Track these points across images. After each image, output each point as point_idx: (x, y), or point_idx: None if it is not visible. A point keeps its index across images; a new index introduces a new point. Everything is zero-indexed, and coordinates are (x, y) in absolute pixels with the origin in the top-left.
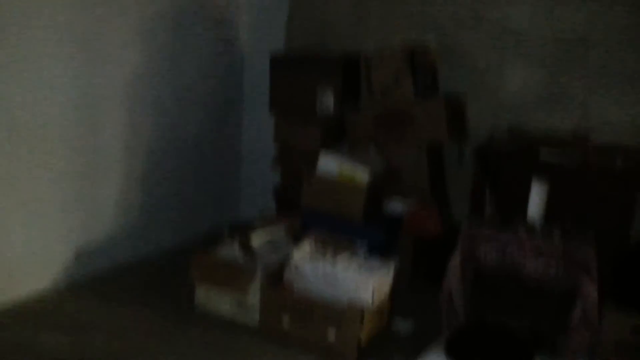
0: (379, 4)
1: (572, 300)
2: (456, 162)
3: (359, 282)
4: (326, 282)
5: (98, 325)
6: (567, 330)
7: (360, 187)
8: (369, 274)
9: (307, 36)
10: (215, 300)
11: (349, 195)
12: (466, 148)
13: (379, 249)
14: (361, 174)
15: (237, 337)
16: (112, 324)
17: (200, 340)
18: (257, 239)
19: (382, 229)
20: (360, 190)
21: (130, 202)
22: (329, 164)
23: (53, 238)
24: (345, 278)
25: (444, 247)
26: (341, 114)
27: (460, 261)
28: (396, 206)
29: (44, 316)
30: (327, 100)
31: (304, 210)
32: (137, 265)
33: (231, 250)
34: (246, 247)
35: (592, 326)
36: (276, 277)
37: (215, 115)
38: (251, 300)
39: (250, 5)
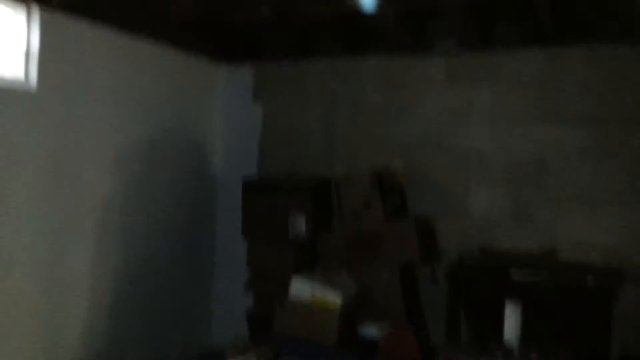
0: (348, 131)
1: None
2: (430, 283)
3: None
4: None
5: None
6: None
7: (333, 311)
8: None
9: (279, 161)
10: None
11: (322, 320)
12: (438, 268)
13: None
14: (334, 298)
15: None
16: None
17: None
18: None
19: (358, 354)
20: (333, 315)
21: (96, 330)
22: (302, 288)
23: None
24: None
25: None
26: (313, 238)
27: None
28: (371, 330)
29: None
30: (299, 224)
31: (277, 337)
32: None
33: None
34: None
35: None
36: None
37: (188, 241)
38: None
39: (224, 131)
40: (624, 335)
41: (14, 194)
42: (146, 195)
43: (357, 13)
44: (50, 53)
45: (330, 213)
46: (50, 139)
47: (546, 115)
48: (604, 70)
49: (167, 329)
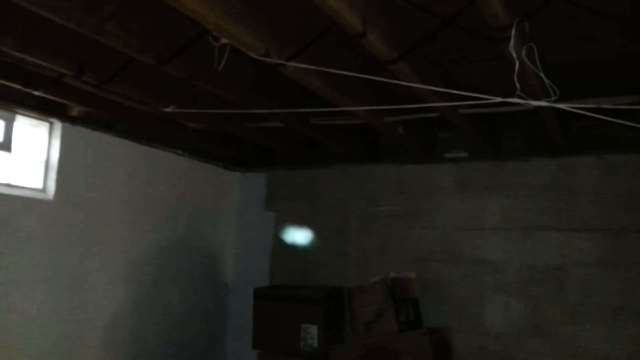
0: (360, 238)
1: None
2: None
3: None
4: None
5: None
6: None
7: None
8: None
9: (290, 270)
10: None
11: None
12: None
13: None
14: None
15: None
16: None
17: None
18: None
19: None
20: None
21: None
22: None
23: None
24: None
25: None
26: (325, 349)
27: None
28: None
29: None
30: (311, 335)
31: None
32: None
33: None
34: None
35: None
36: None
37: (199, 353)
38: None
39: (236, 238)
40: None
41: (26, 302)
42: (157, 304)
43: (369, 123)
44: (69, 163)
45: (342, 323)
46: (64, 248)
47: (560, 224)
48: (615, 179)
49: None
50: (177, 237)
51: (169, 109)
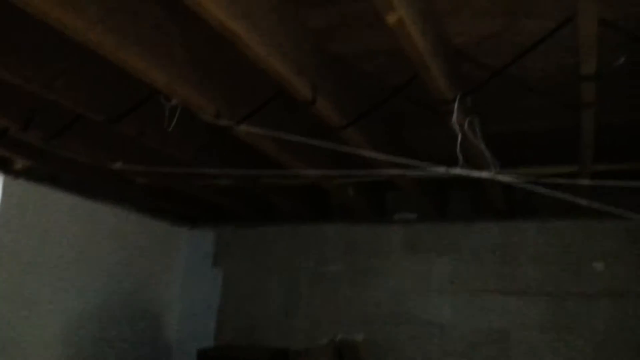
0: (308, 298)
1: None
2: None
3: None
4: None
5: None
6: None
7: None
8: None
9: (236, 330)
10: None
11: None
12: None
13: None
14: None
15: None
16: None
17: None
18: None
19: None
20: None
21: None
22: None
23: None
24: None
25: None
26: None
27: None
28: None
29: None
30: None
31: None
32: None
33: None
34: None
35: None
36: None
37: None
38: None
39: (181, 296)
40: None
41: None
42: None
43: (319, 183)
44: (7, 217)
45: None
46: None
47: (504, 288)
48: (557, 244)
49: None
50: (119, 296)
51: (116, 166)
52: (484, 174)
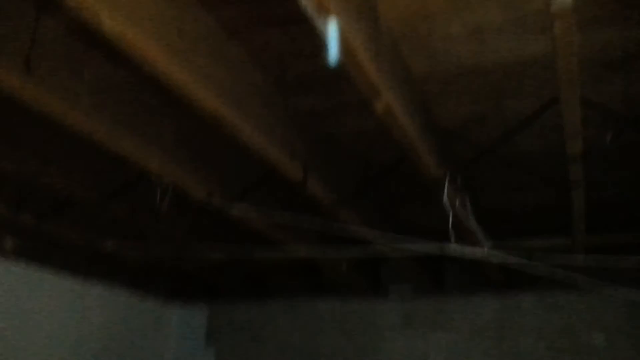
0: None
1: None
2: None
3: None
4: None
5: None
6: None
7: None
8: None
9: None
10: None
11: None
12: None
13: None
14: None
15: None
16: None
17: None
18: None
19: None
20: None
21: None
22: None
23: None
24: None
25: None
26: None
27: None
28: None
29: None
30: None
31: None
32: None
33: None
34: None
35: None
36: None
37: None
38: None
39: None
40: None
41: None
42: None
43: (313, 259)
44: None
45: None
46: None
47: None
48: (555, 317)
49: None
50: None
51: (108, 245)
52: (477, 253)
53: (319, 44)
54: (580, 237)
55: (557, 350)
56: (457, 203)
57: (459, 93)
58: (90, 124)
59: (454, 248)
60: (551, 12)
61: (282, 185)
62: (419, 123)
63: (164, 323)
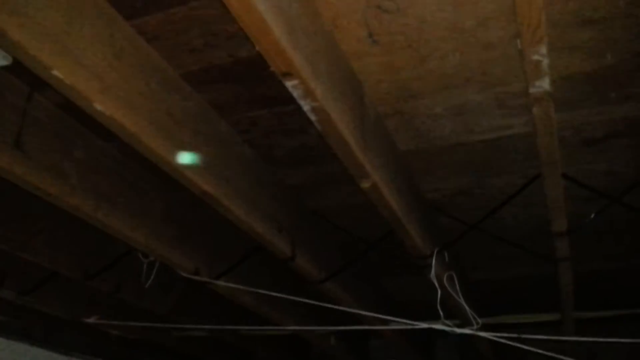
0: None
1: None
2: None
3: None
4: None
5: None
6: None
7: None
8: None
9: None
10: None
11: None
12: None
13: None
14: None
15: None
16: None
17: None
18: None
19: None
20: None
21: None
22: None
23: None
24: None
25: None
26: None
27: None
28: None
29: None
30: None
31: None
32: None
33: None
34: None
35: None
36: None
37: None
38: None
39: None
40: None
41: None
42: None
43: (298, 333)
44: None
45: None
46: None
47: None
48: None
49: None
50: None
51: (91, 320)
52: (466, 331)
53: (307, 122)
54: (569, 312)
55: None
56: (445, 279)
57: (444, 169)
58: (77, 199)
59: (442, 324)
60: (530, 95)
61: (270, 259)
62: (405, 200)
63: None
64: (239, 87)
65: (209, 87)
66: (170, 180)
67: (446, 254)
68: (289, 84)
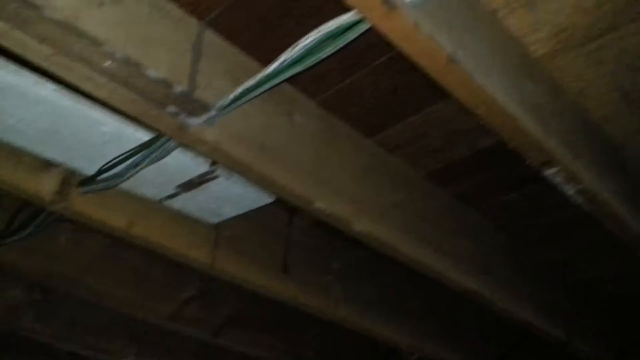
0: None
1: None
2: None
3: None
4: None
5: None
6: None
7: None
8: None
9: None
10: None
11: None
12: None
13: None
14: None
15: None
16: None
17: None
18: None
19: None
20: None
21: None
22: None
23: None
24: None
25: None
26: None
27: None
28: None
29: None
30: None
31: None
32: None
33: None
34: None
35: None
36: None
37: None
38: None
39: None
40: None
41: None
42: None
43: None
44: None
45: None
46: None
47: None
48: None
49: None
50: None
51: None
52: None
53: (562, 198)
54: None
55: None
56: None
57: None
58: (343, 311)
59: None
60: None
61: (541, 346)
62: None
63: None
64: (485, 177)
65: (454, 182)
66: (429, 280)
67: None
68: (549, 172)
